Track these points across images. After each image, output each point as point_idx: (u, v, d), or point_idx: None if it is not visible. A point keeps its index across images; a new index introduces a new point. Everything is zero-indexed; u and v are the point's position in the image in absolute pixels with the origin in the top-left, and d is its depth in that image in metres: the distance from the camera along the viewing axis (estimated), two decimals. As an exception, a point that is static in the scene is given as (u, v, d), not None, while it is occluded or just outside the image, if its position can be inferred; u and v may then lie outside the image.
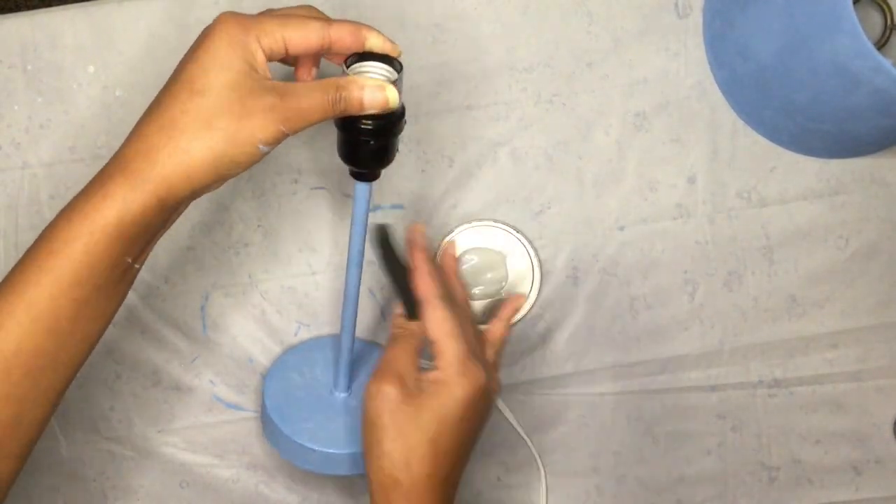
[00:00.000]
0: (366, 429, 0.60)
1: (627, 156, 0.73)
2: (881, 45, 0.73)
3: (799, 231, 0.74)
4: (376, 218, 0.73)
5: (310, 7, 0.55)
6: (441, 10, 0.71)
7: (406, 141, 0.72)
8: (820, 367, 0.76)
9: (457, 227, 0.73)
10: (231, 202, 0.72)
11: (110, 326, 0.72)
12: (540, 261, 0.74)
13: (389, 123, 0.54)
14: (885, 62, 0.59)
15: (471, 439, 0.62)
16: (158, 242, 0.72)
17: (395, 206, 0.73)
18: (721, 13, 0.71)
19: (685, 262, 0.74)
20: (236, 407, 0.74)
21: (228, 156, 0.49)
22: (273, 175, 0.72)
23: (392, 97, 0.53)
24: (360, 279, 0.64)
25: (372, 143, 0.54)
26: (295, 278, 0.73)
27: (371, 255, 0.64)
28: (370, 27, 0.54)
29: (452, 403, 0.59)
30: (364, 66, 0.54)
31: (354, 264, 0.63)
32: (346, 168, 0.72)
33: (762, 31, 0.67)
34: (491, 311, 0.72)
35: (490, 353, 0.67)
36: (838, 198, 0.74)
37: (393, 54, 0.55)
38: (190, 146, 0.48)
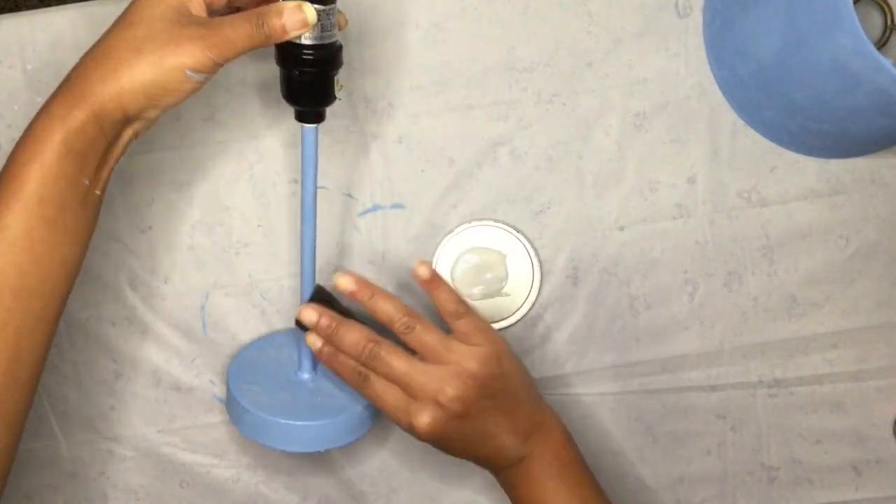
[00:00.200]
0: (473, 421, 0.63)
1: (627, 156, 0.73)
2: (881, 45, 0.73)
3: (799, 231, 0.74)
4: (376, 216, 0.73)
5: None
6: (441, 10, 0.71)
7: (406, 141, 0.72)
8: (820, 367, 0.76)
9: (457, 226, 0.73)
10: (231, 202, 0.72)
11: (110, 326, 0.73)
12: (540, 260, 0.74)
13: (324, 53, 0.57)
14: (886, 62, 0.59)
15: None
16: (158, 242, 0.72)
17: (395, 206, 0.73)
18: (721, 13, 0.71)
19: (685, 262, 0.74)
20: (236, 407, 0.74)
21: (157, 82, 0.53)
22: (273, 175, 0.72)
23: (310, 14, 0.54)
24: (315, 239, 0.65)
25: (309, 75, 0.57)
26: (295, 278, 0.73)
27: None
28: None
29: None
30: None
31: (308, 224, 0.64)
32: (345, 169, 0.72)
33: (762, 31, 0.67)
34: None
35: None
36: (838, 198, 0.74)
37: None
38: (118, 68, 0.53)
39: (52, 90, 0.68)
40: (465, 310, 0.65)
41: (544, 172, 0.73)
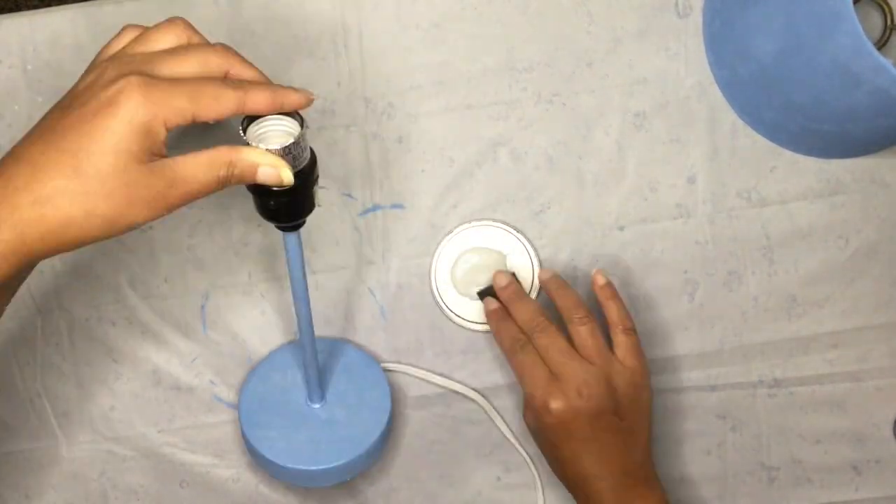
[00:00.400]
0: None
1: (627, 156, 0.73)
2: (881, 45, 0.73)
3: (799, 231, 0.74)
4: (376, 217, 0.73)
5: (227, 53, 0.51)
6: (441, 10, 0.71)
7: (406, 141, 0.72)
8: (820, 367, 0.76)
9: (457, 226, 0.73)
10: (231, 202, 0.72)
11: (110, 326, 0.73)
12: (540, 260, 0.74)
13: (299, 181, 0.51)
14: (886, 62, 0.59)
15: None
16: (158, 242, 0.72)
17: (395, 206, 0.73)
18: (721, 13, 0.71)
19: (685, 262, 0.74)
20: (236, 407, 0.74)
21: (103, 235, 0.48)
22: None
23: (286, 177, 0.50)
24: (314, 334, 0.65)
25: (287, 201, 0.53)
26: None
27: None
28: (289, 90, 0.51)
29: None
30: (262, 125, 0.51)
31: (302, 304, 0.63)
32: (345, 169, 0.72)
33: (762, 31, 0.67)
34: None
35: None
36: (838, 198, 0.74)
37: (306, 107, 0.52)
38: (66, 229, 0.46)
39: (52, 90, 0.68)
40: (632, 327, 0.69)
41: (544, 172, 0.73)
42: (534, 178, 0.73)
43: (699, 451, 0.76)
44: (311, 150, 0.53)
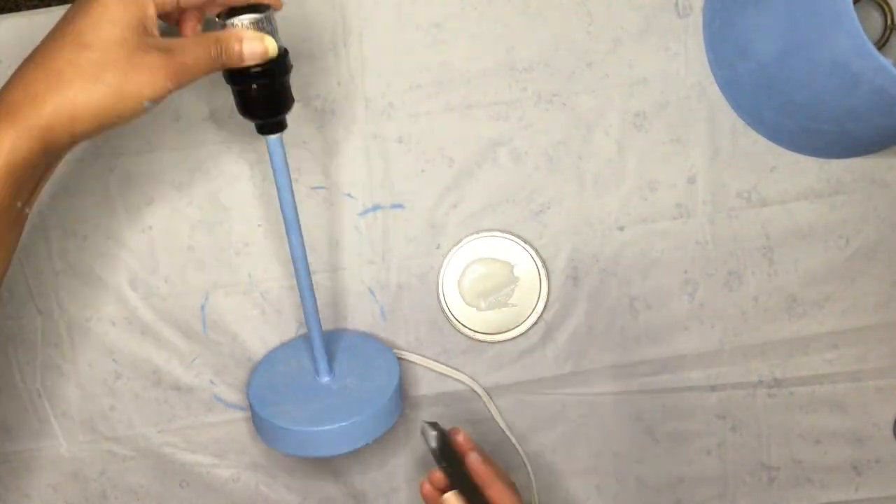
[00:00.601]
0: None
1: (627, 156, 0.73)
2: (881, 45, 0.73)
3: (799, 231, 0.74)
4: (377, 216, 0.73)
5: None
6: (441, 10, 0.71)
7: (406, 141, 0.72)
8: (820, 367, 0.76)
9: (464, 237, 0.73)
10: (231, 202, 0.72)
11: (110, 326, 0.73)
12: (548, 271, 0.74)
13: (276, 64, 0.56)
14: (886, 62, 0.59)
15: None
16: (158, 242, 0.72)
17: (395, 206, 0.73)
18: (721, 13, 0.71)
19: (685, 262, 0.74)
20: (236, 407, 0.74)
21: (114, 110, 0.50)
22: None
23: (271, 47, 0.54)
24: (303, 242, 0.64)
25: (265, 87, 0.56)
26: (295, 278, 0.73)
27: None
28: None
29: None
30: (236, 19, 0.55)
31: (293, 229, 0.63)
32: (345, 169, 0.72)
33: (762, 31, 0.67)
34: None
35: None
36: (838, 198, 0.74)
37: (276, 4, 0.56)
38: (76, 98, 0.49)
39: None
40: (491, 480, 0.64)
41: (544, 172, 0.73)
42: (534, 178, 0.73)
43: (699, 451, 0.76)
44: (283, 46, 0.57)
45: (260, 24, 0.55)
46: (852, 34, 0.59)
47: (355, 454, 0.75)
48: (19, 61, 0.69)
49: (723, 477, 0.76)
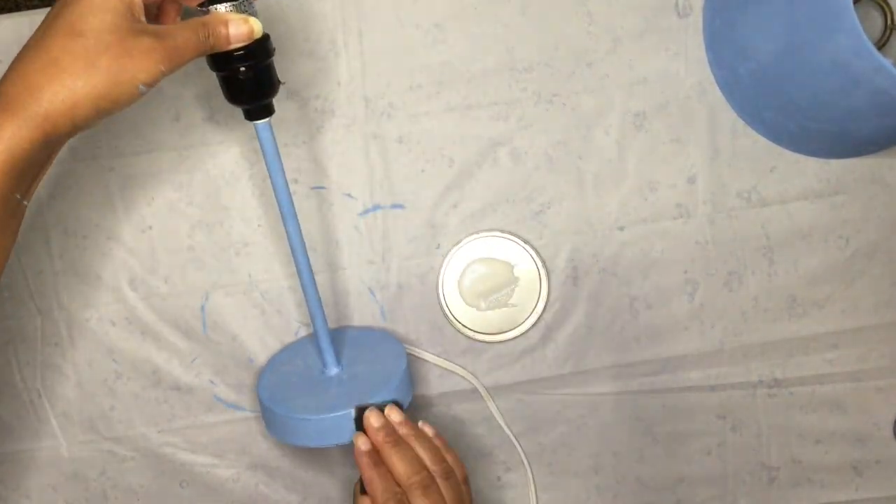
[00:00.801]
0: None
1: (627, 156, 0.73)
2: (881, 45, 0.73)
3: (799, 231, 0.74)
4: (377, 216, 0.73)
5: None
6: (441, 10, 0.71)
7: (406, 141, 0.72)
8: (820, 367, 0.76)
9: (464, 237, 0.73)
10: (231, 202, 0.72)
11: (110, 326, 0.73)
12: (548, 271, 0.74)
13: (259, 45, 0.57)
14: (886, 62, 0.59)
15: None
16: (158, 242, 0.72)
17: (395, 206, 0.73)
18: (721, 13, 0.71)
19: (685, 262, 0.74)
20: (236, 407, 0.74)
21: (111, 95, 0.51)
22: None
23: (256, 27, 0.56)
24: (301, 231, 0.64)
25: (251, 69, 0.57)
26: (295, 278, 0.73)
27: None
28: None
29: None
30: (219, 5, 0.56)
31: (290, 216, 0.64)
32: (345, 169, 0.72)
33: (762, 31, 0.67)
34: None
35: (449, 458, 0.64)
36: (838, 198, 0.74)
37: None
38: (74, 85, 0.50)
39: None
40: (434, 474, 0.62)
41: (544, 172, 0.73)
42: (534, 178, 0.73)
43: (699, 451, 0.76)
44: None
45: (241, 7, 0.56)
46: (852, 34, 0.59)
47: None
48: (19, 61, 0.69)
49: (723, 477, 0.76)
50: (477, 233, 0.73)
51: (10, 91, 0.50)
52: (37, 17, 0.69)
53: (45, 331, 0.72)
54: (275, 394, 0.68)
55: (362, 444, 0.62)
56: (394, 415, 0.64)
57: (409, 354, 0.73)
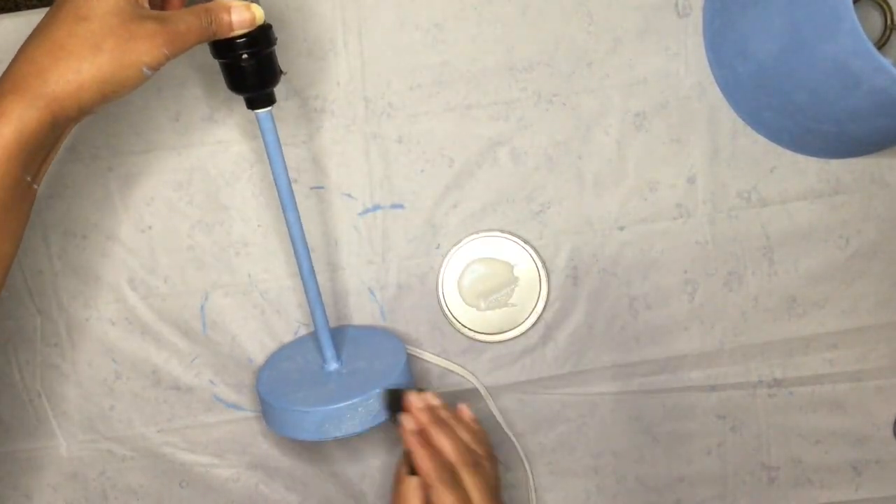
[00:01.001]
0: None
1: (627, 156, 0.73)
2: (881, 45, 0.73)
3: (799, 231, 0.74)
4: (376, 216, 0.73)
5: None
6: (441, 10, 0.71)
7: (406, 141, 0.72)
8: (820, 367, 0.76)
9: (464, 237, 0.73)
10: (231, 202, 0.72)
11: (110, 326, 0.73)
12: (547, 271, 0.74)
13: (261, 33, 0.57)
14: (886, 62, 0.59)
15: None
16: (158, 242, 0.72)
17: (395, 206, 0.73)
18: (721, 13, 0.70)
19: (685, 262, 0.74)
20: (236, 407, 0.74)
21: (116, 78, 0.52)
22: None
23: (259, 14, 0.57)
24: (301, 222, 0.65)
25: (253, 56, 0.58)
26: (295, 278, 0.73)
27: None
28: None
29: None
30: None
31: (290, 208, 0.64)
32: (345, 169, 0.72)
33: (762, 31, 0.67)
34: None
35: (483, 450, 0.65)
36: (838, 198, 0.74)
37: None
38: (80, 67, 0.51)
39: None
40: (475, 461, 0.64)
41: (544, 172, 0.73)
42: (534, 178, 0.73)
43: (699, 451, 0.76)
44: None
45: None
46: (852, 34, 0.59)
47: (355, 453, 0.75)
48: (19, 61, 0.69)
49: (723, 477, 0.76)
50: (477, 233, 0.73)
51: (17, 74, 0.51)
52: (36, 17, 0.69)
53: (44, 331, 0.72)
54: (274, 388, 0.68)
55: (409, 423, 0.64)
56: (434, 399, 0.66)
57: (408, 353, 0.73)
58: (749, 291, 0.75)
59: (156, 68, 0.53)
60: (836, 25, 0.60)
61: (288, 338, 0.74)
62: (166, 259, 0.72)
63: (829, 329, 0.75)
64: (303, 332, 0.74)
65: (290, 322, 0.74)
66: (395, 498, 0.63)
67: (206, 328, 0.73)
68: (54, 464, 0.74)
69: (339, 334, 0.72)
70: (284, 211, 0.64)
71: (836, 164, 0.74)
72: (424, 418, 0.64)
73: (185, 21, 0.54)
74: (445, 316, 0.74)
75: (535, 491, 0.75)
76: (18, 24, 0.69)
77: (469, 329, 0.74)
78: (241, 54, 0.57)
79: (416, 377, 0.74)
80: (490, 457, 0.65)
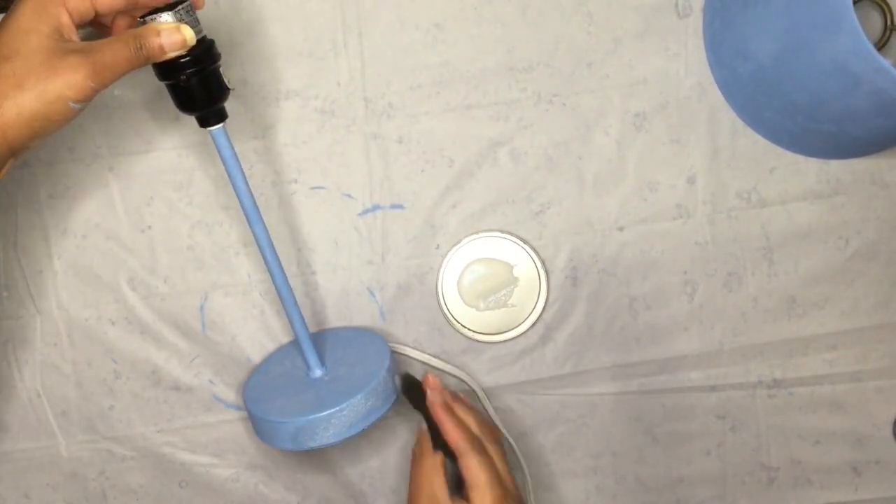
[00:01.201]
0: None
1: (627, 156, 0.73)
2: (881, 45, 0.73)
3: (799, 231, 0.74)
4: (376, 217, 0.73)
5: None
6: (441, 10, 0.71)
7: (406, 141, 0.72)
8: (819, 367, 0.76)
9: (464, 238, 0.73)
10: (231, 202, 0.72)
11: (110, 326, 0.73)
12: (547, 271, 0.73)
13: (202, 51, 0.57)
14: (886, 63, 0.59)
15: None
16: (158, 242, 0.72)
17: (394, 206, 0.73)
18: (721, 13, 0.70)
19: (685, 263, 0.74)
20: (235, 407, 0.74)
21: (41, 114, 0.52)
22: (273, 175, 0.72)
23: (188, 35, 0.56)
24: (269, 234, 0.65)
25: (195, 75, 0.57)
26: (294, 278, 0.73)
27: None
28: None
29: None
30: (154, 15, 0.56)
31: (255, 221, 0.64)
32: (345, 169, 0.72)
33: (762, 31, 0.67)
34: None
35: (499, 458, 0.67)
36: (838, 198, 0.74)
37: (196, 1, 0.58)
38: (2, 106, 0.51)
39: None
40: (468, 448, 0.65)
41: (544, 172, 0.73)
42: (534, 178, 0.73)
43: (699, 451, 0.76)
44: (207, 35, 0.59)
45: (178, 16, 0.56)
46: (852, 35, 0.59)
47: (355, 453, 0.75)
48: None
49: (722, 477, 0.76)
50: (476, 233, 0.73)
51: None
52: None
53: (44, 330, 0.72)
54: (258, 395, 0.69)
55: (436, 397, 0.67)
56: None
57: (403, 355, 0.73)
58: (749, 292, 0.75)
59: (83, 101, 0.53)
60: (836, 26, 0.60)
61: (287, 338, 0.74)
62: (166, 259, 0.72)
63: (828, 330, 0.75)
64: (302, 332, 0.74)
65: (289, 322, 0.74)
66: (418, 473, 0.65)
67: (206, 328, 0.73)
68: (54, 464, 0.74)
69: (328, 338, 0.72)
70: (250, 224, 0.64)
71: (835, 165, 0.74)
72: (447, 395, 0.67)
73: (112, 49, 0.53)
74: (445, 316, 0.74)
75: (534, 491, 0.75)
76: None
77: (468, 329, 0.74)
78: (182, 75, 0.57)
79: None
80: (498, 440, 0.68)
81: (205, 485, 0.74)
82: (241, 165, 0.62)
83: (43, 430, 0.73)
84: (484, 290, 0.73)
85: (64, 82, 0.52)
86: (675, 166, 0.73)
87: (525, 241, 0.73)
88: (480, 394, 0.74)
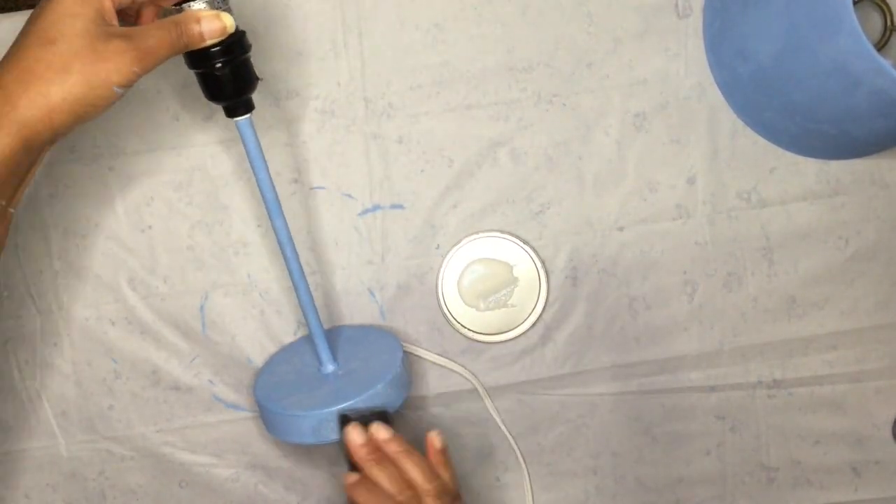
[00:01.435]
0: None
1: (627, 156, 0.73)
2: (881, 45, 0.73)
3: (799, 232, 0.74)
4: (376, 217, 0.73)
5: None
6: (441, 10, 0.71)
7: (406, 141, 0.72)
8: (819, 367, 0.76)
9: (464, 238, 0.73)
10: (231, 202, 0.72)
11: (110, 326, 0.73)
12: (547, 272, 0.74)
13: (235, 41, 0.57)
14: (886, 63, 0.59)
15: None
16: (158, 242, 0.72)
17: (394, 206, 0.73)
18: (721, 14, 0.71)
19: (684, 263, 0.74)
20: (235, 407, 0.74)
21: (86, 99, 0.52)
22: (273, 175, 0.72)
23: (229, 22, 0.56)
24: (288, 227, 0.64)
25: (228, 65, 0.57)
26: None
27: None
28: None
29: None
30: (192, 3, 0.56)
31: (276, 214, 0.64)
32: (345, 169, 0.72)
33: (762, 31, 0.67)
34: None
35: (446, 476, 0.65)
36: (838, 199, 0.74)
37: None
38: (48, 91, 0.51)
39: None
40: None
41: (544, 172, 0.73)
42: (534, 178, 0.73)
43: (699, 451, 0.76)
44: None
45: (215, 4, 0.56)
46: (852, 35, 0.59)
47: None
48: (19, 61, 0.69)
49: (722, 477, 0.76)
50: (476, 233, 0.73)
51: None
52: (36, 16, 0.69)
53: (44, 330, 0.72)
54: (271, 392, 0.68)
55: (350, 477, 0.63)
56: (381, 433, 0.63)
57: (407, 353, 0.73)
58: (748, 292, 0.75)
59: (127, 86, 0.53)
60: (836, 26, 0.60)
61: (287, 338, 0.74)
62: (166, 259, 0.72)
63: (828, 330, 0.75)
64: (302, 332, 0.74)
65: (290, 322, 0.74)
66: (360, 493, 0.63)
67: (206, 328, 0.73)
68: (53, 463, 0.74)
69: (337, 334, 0.72)
70: (271, 217, 0.64)
71: (835, 165, 0.74)
72: (363, 454, 0.63)
73: (154, 36, 0.53)
74: (445, 316, 0.74)
75: (534, 492, 0.75)
76: (18, 24, 0.69)
77: (468, 329, 0.74)
78: (216, 63, 0.57)
79: (415, 379, 0.74)
80: (441, 492, 0.63)
81: (204, 485, 0.74)
82: (264, 157, 0.62)
83: (43, 430, 0.73)
84: (484, 290, 0.73)
85: (110, 67, 0.51)
86: (675, 166, 0.73)
87: (525, 241, 0.73)
88: (483, 393, 0.74)
